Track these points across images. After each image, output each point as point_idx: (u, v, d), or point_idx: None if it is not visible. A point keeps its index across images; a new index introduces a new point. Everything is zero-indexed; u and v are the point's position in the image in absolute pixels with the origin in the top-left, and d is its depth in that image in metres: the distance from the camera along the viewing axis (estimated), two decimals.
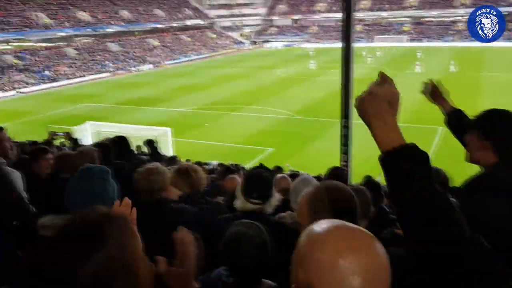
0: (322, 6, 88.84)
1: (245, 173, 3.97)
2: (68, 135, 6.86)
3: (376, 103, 1.32)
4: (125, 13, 71.51)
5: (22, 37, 54.85)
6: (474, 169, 2.03)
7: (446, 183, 4.05)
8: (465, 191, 1.90)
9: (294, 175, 7.10)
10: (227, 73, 49.71)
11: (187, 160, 14.18)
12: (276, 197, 2.94)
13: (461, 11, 72.50)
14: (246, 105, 32.09)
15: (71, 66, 53.80)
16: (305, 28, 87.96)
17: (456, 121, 2.62)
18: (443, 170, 4.16)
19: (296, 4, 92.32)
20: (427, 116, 27.30)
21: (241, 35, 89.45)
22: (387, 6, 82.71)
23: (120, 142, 5.52)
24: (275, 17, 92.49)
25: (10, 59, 50.69)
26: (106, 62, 57.71)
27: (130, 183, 2.93)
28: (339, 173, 4.71)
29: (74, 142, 7.07)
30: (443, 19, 75.80)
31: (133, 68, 58.06)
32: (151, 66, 60.59)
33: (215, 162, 16.39)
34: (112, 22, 67.62)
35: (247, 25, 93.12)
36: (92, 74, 53.32)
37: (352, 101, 10.32)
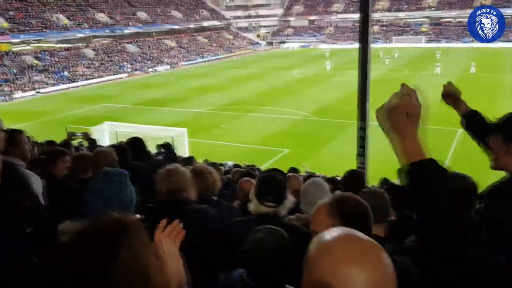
0: (339, 6, 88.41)
1: (259, 176, 3.95)
2: (86, 136, 6.93)
3: (394, 115, 1.31)
4: (142, 14, 72.20)
5: (42, 38, 55.81)
6: (492, 171, 1.98)
7: (474, 190, 3.97)
8: (489, 196, 1.86)
9: (311, 177, 7.06)
10: (243, 74, 49.81)
11: (205, 160, 14.25)
12: (290, 200, 2.91)
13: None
14: (261, 106, 32.09)
15: (89, 67, 54.52)
16: (321, 29, 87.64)
17: (474, 123, 2.56)
18: (471, 177, 4.08)
19: (312, 5, 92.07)
20: (446, 118, 26.95)
21: (257, 36, 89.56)
22: (405, 6, 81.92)
23: (136, 143, 5.55)
24: (291, 18, 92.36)
25: (30, 59, 51.61)
26: (124, 63, 58.35)
27: (147, 184, 2.95)
28: (357, 176, 4.66)
29: (92, 142, 7.14)
30: (462, 19, 74.69)
31: (150, 69, 58.59)
32: (167, 67, 61.07)
33: (230, 163, 16.44)
34: (130, 23, 68.33)
35: (263, 26, 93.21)
36: (110, 74, 53.97)
37: (369, 103, 10.27)
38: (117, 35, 66.49)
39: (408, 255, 2.58)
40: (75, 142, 7.86)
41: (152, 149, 10.16)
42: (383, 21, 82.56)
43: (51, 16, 58.72)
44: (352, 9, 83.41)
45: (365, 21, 9.36)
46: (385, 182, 7.50)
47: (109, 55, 59.73)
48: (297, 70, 50.69)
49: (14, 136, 3.68)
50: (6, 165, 2.55)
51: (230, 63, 63.44)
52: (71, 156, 4.56)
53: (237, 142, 23.53)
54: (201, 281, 1.89)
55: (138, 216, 1.47)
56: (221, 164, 13.90)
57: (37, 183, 3.34)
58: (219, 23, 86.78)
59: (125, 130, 21.20)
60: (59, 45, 58.87)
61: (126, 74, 55.33)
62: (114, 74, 54.29)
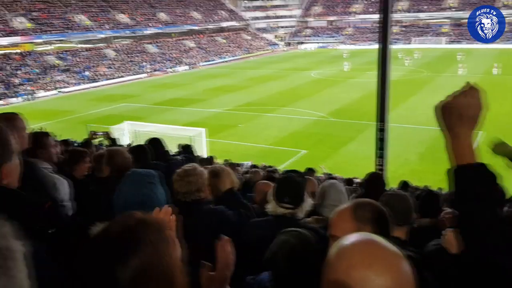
0: (358, 7, 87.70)
1: (277, 177, 3.95)
2: (107, 135, 7.02)
3: (448, 115, 1.29)
4: (162, 15, 72.83)
5: (64, 39, 56.77)
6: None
7: (503, 195, 3.92)
8: None
9: (329, 178, 7.04)
10: (261, 75, 49.83)
11: (225, 161, 14.33)
12: (308, 202, 2.92)
13: (504, 11, 69.77)
14: (279, 107, 32.06)
15: (110, 67, 55.25)
16: (340, 30, 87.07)
17: None
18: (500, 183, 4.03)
19: (331, 5, 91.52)
20: None
21: (275, 36, 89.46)
22: (425, 7, 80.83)
23: (155, 143, 5.60)
24: (310, 19, 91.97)
25: (52, 59, 52.56)
26: (144, 63, 58.96)
27: (166, 184, 2.98)
28: (378, 179, 4.63)
29: (113, 141, 7.23)
30: None
31: (169, 69, 59.08)
32: (186, 67, 61.48)
33: (248, 163, 16.48)
34: (150, 24, 68.99)
35: (282, 27, 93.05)
36: (130, 74, 54.63)
37: (388, 104, 10.15)
38: (138, 36, 67.24)
39: (429, 259, 2.57)
40: (95, 141, 7.98)
41: (173, 148, 10.30)
42: (403, 22, 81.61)
43: (73, 17, 59.68)
44: (371, 9, 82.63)
45: (385, 22, 9.30)
46: (405, 185, 7.43)
47: (130, 55, 60.42)
48: (315, 70, 50.50)
49: (41, 139, 3.69)
50: (27, 166, 2.60)
51: (248, 63, 63.53)
52: (91, 156, 4.60)
53: (254, 143, 23.56)
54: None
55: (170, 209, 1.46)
56: (239, 165, 13.95)
57: (62, 186, 3.38)
58: (237, 24, 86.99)
59: (145, 130, 21.43)
60: (80, 45, 59.83)
61: (146, 74, 55.90)
62: (134, 74, 54.92)
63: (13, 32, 50.85)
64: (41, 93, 44.32)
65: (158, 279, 1.03)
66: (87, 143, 6.47)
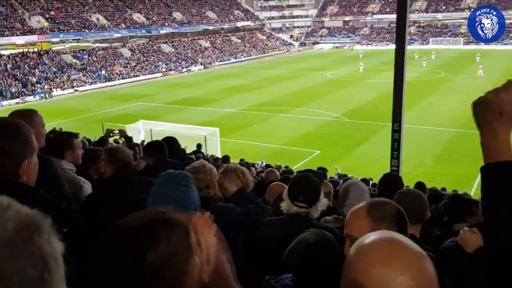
0: (375, 7, 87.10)
1: (293, 176, 3.91)
2: (123, 133, 7.06)
3: (486, 111, 1.24)
4: (178, 15, 73.26)
5: (81, 38, 57.46)
6: None
7: None
8: None
9: (346, 179, 7.00)
10: (276, 75, 49.79)
11: (241, 160, 14.36)
12: (323, 202, 2.90)
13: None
14: (293, 107, 32.00)
15: (125, 66, 55.75)
16: (356, 30, 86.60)
17: None
18: None
19: (347, 5, 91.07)
20: None
21: (290, 36, 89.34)
22: (443, 7, 79.94)
23: (170, 142, 5.62)
24: (325, 19, 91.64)
25: (69, 58, 53.23)
26: (159, 63, 59.36)
27: None
28: (395, 180, 4.58)
29: (128, 140, 7.27)
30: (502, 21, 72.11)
31: (184, 69, 59.39)
32: (201, 67, 61.73)
33: (263, 163, 16.49)
34: (166, 24, 69.44)
35: (297, 27, 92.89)
36: (145, 74, 55.07)
37: (404, 104, 10.03)
38: (153, 35, 67.77)
39: (445, 257, 2.54)
40: (111, 140, 8.03)
41: (192, 147, 10.42)
42: (420, 22, 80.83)
43: (90, 16, 60.37)
44: (388, 9, 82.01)
45: (402, 22, 9.22)
46: (420, 186, 7.35)
47: (145, 55, 60.89)
48: (330, 71, 50.28)
49: (71, 140, 3.67)
50: (44, 163, 2.60)
51: (262, 63, 63.54)
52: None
53: (268, 143, 23.55)
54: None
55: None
56: (253, 164, 13.96)
57: (88, 187, 3.41)
58: (253, 24, 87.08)
59: (159, 129, 21.60)
60: (97, 44, 60.51)
61: (160, 74, 56.28)
62: (149, 74, 55.34)
63: (31, 31, 51.65)
64: (58, 92, 44.96)
65: (165, 281, 1.00)
66: (102, 141, 6.50)
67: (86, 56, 55.10)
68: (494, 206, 1.19)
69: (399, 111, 9.64)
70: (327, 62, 58.65)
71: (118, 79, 51.65)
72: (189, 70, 59.31)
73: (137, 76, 53.89)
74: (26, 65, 48.02)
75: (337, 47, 78.50)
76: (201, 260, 1.12)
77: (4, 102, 39.93)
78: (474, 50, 59.29)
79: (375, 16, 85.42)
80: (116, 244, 1.02)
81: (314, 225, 2.60)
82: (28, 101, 41.23)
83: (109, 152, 3.68)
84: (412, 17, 75.22)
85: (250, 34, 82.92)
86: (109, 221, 1.12)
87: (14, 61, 47.92)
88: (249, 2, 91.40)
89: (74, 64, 52.23)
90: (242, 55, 71.54)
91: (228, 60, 67.62)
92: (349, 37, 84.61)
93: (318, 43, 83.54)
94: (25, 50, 51.04)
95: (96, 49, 58.77)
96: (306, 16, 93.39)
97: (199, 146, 10.57)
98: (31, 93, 43.39)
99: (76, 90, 46.16)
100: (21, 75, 45.99)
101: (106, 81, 50.38)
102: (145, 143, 8.18)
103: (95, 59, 55.27)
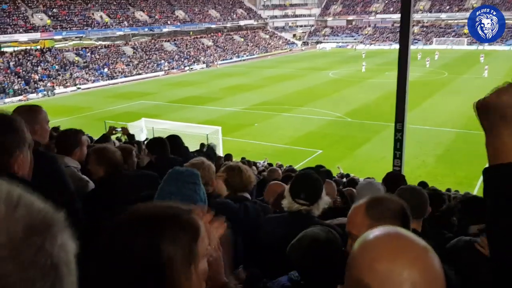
0: (378, 6, 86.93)
1: (295, 173, 3.90)
2: (125, 131, 7.05)
3: (488, 114, 1.21)
4: (180, 13, 73.24)
5: (83, 36, 57.53)
6: None
7: None
8: None
9: (351, 180, 6.97)
10: (278, 74, 49.76)
11: (242, 159, 14.37)
12: (325, 200, 2.89)
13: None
14: (296, 106, 31.98)
15: (128, 64, 55.79)
16: (359, 29, 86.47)
17: None
18: None
19: (350, 4, 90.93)
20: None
21: (293, 36, 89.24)
22: (446, 7, 79.75)
23: (173, 139, 5.61)
24: (328, 18, 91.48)
25: (71, 56, 53.30)
26: (161, 61, 59.38)
27: None
28: (399, 179, 4.58)
29: (130, 137, 7.26)
30: (506, 21, 71.98)
31: (186, 68, 59.40)
32: (204, 65, 61.73)
33: (265, 162, 16.50)
34: (168, 22, 69.44)
35: (300, 26, 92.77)
36: (148, 72, 55.09)
37: (407, 104, 10.03)
38: (156, 34, 67.78)
39: (454, 254, 2.53)
40: (114, 137, 8.02)
41: (194, 146, 10.41)
42: (423, 22, 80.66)
43: (93, 14, 60.42)
44: (391, 9, 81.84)
45: (405, 22, 9.20)
46: (423, 186, 7.34)
47: (148, 53, 60.92)
48: (333, 70, 50.22)
49: (78, 137, 3.63)
50: (46, 159, 2.56)
51: (265, 62, 63.52)
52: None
53: (270, 142, 23.54)
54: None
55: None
56: (255, 163, 13.96)
57: (88, 187, 3.39)
58: (255, 23, 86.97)
59: (161, 127, 21.61)
60: (99, 42, 60.55)
61: (163, 72, 56.30)
62: (151, 72, 55.36)
63: (33, 28, 51.72)
64: (61, 89, 45.01)
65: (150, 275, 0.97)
66: (105, 138, 6.47)
67: (88, 54, 55.14)
68: (497, 207, 1.18)
69: (402, 111, 9.63)
70: (329, 62, 58.58)
71: (120, 77, 51.69)
72: (191, 68, 59.33)
73: (139, 74, 53.92)
74: (28, 63, 48.09)
75: (340, 47, 78.41)
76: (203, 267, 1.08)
77: (7, 100, 39.97)
78: (478, 51, 59.14)
79: (378, 16, 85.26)
80: (116, 234, 1.00)
81: (316, 223, 2.59)
82: (31, 98, 41.28)
83: (97, 153, 3.47)
84: (415, 17, 75.03)
85: (252, 33, 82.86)
86: (111, 219, 1.10)
87: (16, 59, 48.00)
88: (252, 0, 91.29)
89: (76, 61, 52.29)
90: (245, 54, 71.50)
91: (231, 59, 67.60)
92: (352, 36, 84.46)
93: (321, 42, 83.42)
94: (28, 47, 51.14)
95: (99, 47, 58.82)
96: (309, 15, 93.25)
97: (202, 145, 10.58)
98: (33, 90, 43.43)
99: (78, 88, 46.21)
100: (23, 72, 46.06)
101: (108, 79, 50.43)
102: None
103: (97, 57, 55.32)
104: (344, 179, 10.80)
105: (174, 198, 2.01)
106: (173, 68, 58.25)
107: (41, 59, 49.90)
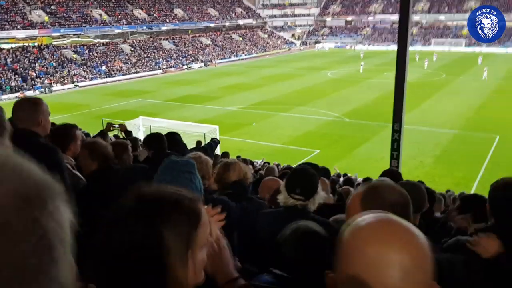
0: (377, 7, 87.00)
1: (292, 169, 3.90)
2: (123, 127, 7.02)
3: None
4: (179, 12, 73.14)
5: (81, 33, 57.37)
6: None
7: None
8: None
9: (348, 180, 6.98)
10: (277, 73, 49.74)
11: (237, 157, 14.37)
12: (321, 195, 2.89)
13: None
14: (294, 106, 31.97)
15: (126, 62, 55.67)
16: (358, 30, 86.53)
17: None
18: None
19: (350, 4, 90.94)
20: (486, 122, 26.24)
21: (292, 35, 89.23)
22: (445, 9, 79.87)
23: (172, 136, 5.60)
24: (327, 18, 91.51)
25: (69, 53, 53.14)
26: (159, 60, 59.29)
27: None
28: (395, 177, 4.57)
29: (128, 134, 7.23)
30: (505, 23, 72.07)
31: (184, 66, 59.33)
32: (202, 64, 61.65)
33: (261, 161, 16.48)
34: (167, 20, 69.34)
35: (299, 25, 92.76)
36: (146, 70, 54.99)
37: (405, 105, 10.01)
38: (154, 32, 67.65)
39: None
40: (111, 134, 7.99)
41: (191, 144, 10.39)
42: (422, 23, 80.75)
43: (91, 11, 60.27)
44: (390, 9, 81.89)
45: (404, 23, 9.19)
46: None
47: (146, 51, 60.82)
48: (332, 70, 50.24)
49: (73, 131, 3.64)
50: (50, 152, 2.54)
51: (264, 62, 63.47)
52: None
53: (268, 141, 23.53)
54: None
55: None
56: (252, 162, 13.96)
57: (80, 184, 3.38)
58: (254, 22, 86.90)
59: (159, 125, 21.57)
60: (97, 40, 60.39)
61: (161, 71, 56.20)
62: (149, 70, 55.25)
63: (31, 25, 51.54)
64: (58, 87, 44.87)
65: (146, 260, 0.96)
66: (103, 134, 6.44)
67: (86, 52, 55.01)
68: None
69: (400, 111, 9.63)
70: (328, 62, 58.60)
71: (118, 75, 51.57)
72: (189, 67, 59.25)
73: (137, 72, 53.82)
74: (26, 59, 47.94)
75: (338, 47, 78.43)
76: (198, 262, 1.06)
77: (4, 96, 39.76)
78: (475, 53, 59.25)
79: (377, 16, 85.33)
80: (120, 215, 1.00)
81: (311, 218, 2.59)
82: (28, 95, 41.15)
83: (90, 147, 3.43)
84: (414, 17, 75.11)
85: (251, 32, 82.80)
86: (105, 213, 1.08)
87: (14, 55, 47.84)
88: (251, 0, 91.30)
89: (74, 59, 52.15)
90: (243, 53, 71.43)
91: (229, 58, 67.54)
92: (351, 36, 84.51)
93: (319, 42, 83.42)
94: (26, 44, 50.93)
95: (97, 44, 58.67)
96: (308, 15, 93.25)
97: (198, 143, 10.56)
98: (30, 87, 43.29)
99: (76, 85, 46.08)
100: (21, 69, 45.91)
101: (106, 77, 50.31)
102: None
103: (95, 54, 55.19)
104: (341, 179, 10.81)
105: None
106: (171, 67, 58.16)
107: (39, 56, 49.74)
